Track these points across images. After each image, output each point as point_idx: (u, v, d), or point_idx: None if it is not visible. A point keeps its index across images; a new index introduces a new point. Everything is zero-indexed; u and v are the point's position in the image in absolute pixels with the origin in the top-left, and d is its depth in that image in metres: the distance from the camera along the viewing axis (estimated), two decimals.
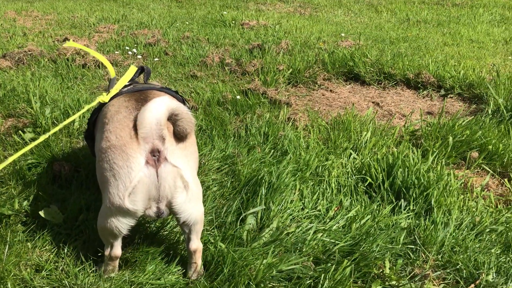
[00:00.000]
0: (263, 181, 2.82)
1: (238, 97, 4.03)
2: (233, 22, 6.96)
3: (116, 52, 5.23)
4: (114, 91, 2.40)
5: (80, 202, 2.56)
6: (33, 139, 3.27)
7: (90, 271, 2.20)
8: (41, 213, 2.44)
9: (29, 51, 5.01)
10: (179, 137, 2.01)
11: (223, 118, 3.73)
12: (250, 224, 2.59)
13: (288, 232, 2.52)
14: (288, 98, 4.30)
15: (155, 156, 1.93)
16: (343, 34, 6.42)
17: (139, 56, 5.16)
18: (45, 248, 2.35)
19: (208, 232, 2.56)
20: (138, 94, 2.28)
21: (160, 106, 1.92)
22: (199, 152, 3.10)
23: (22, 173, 2.92)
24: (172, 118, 1.98)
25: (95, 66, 4.81)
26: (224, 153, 3.24)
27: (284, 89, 4.56)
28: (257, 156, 3.21)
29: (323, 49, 5.60)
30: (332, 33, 6.64)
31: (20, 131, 3.33)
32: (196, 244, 2.19)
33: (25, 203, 2.61)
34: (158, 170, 1.93)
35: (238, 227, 2.56)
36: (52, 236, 2.41)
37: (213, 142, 3.36)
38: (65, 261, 2.26)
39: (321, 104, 4.43)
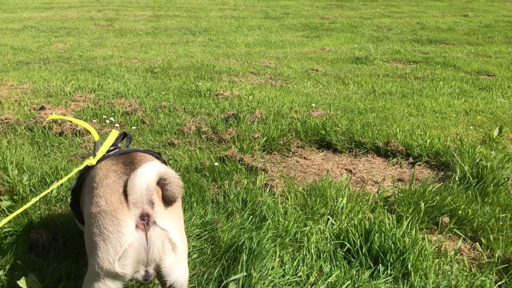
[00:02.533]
0: (244, 247, 2.84)
1: (216, 163, 4.12)
2: (208, 92, 7.19)
3: (94, 121, 5.29)
4: (100, 153, 2.48)
5: (60, 271, 2.51)
6: (10, 207, 3.22)
7: None
8: (19, 282, 2.37)
9: (6, 119, 5.03)
10: (168, 201, 2.06)
11: (201, 184, 3.78)
12: None
13: None
14: (264, 164, 4.41)
15: (145, 220, 1.97)
16: (313, 104, 6.71)
17: (117, 125, 5.24)
18: None
19: None
20: (125, 156, 2.35)
21: (150, 172, 1.98)
22: None
23: None
24: (161, 183, 2.03)
25: (72, 134, 4.85)
26: (203, 219, 3.27)
27: (260, 156, 4.68)
28: (237, 222, 3.24)
29: (295, 118, 5.83)
30: (303, 103, 6.93)
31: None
32: None
33: (0, 272, 2.53)
34: (147, 234, 1.97)
35: None
36: None
37: (192, 209, 3.39)
38: None
39: (296, 171, 4.55)
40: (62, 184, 3.53)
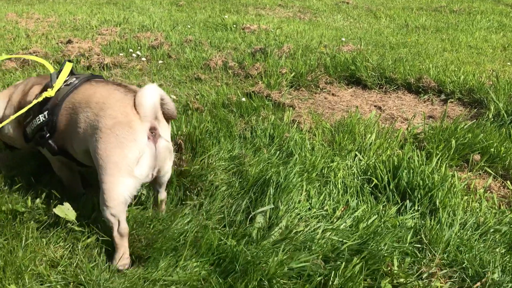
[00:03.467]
0: (271, 181, 2.87)
1: (243, 99, 4.08)
2: (234, 26, 7.02)
3: (121, 54, 5.26)
4: (57, 85, 2.56)
5: (93, 200, 2.59)
6: None
7: (104, 266, 2.24)
8: (55, 210, 2.46)
9: (34, 52, 5.05)
10: (166, 118, 2.40)
11: (229, 120, 3.77)
12: (259, 222, 2.64)
13: (297, 231, 2.57)
14: (291, 101, 4.36)
15: (153, 133, 2.28)
16: (343, 39, 6.49)
17: (143, 59, 5.20)
18: (59, 245, 2.38)
19: (219, 230, 2.60)
20: (106, 83, 2.54)
21: (155, 92, 2.29)
22: (207, 153, 3.17)
23: (33, 171, 2.95)
24: (160, 103, 2.33)
25: (99, 67, 4.85)
26: (231, 153, 3.29)
27: (287, 92, 4.61)
28: (264, 157, 3.26)
29: (324, 53, 5.67)
30: (332, 37, 6.71)
31: None
32: (164, 194, 2.69)
33: (37, 200, 2.64)
34: (156, 145, 2.29)
35: (247, 225, 2.61)
36: (66, 232, 2.44)
37: (220, 143, 3.40)
38: (79, 257, 2.29)
39: (324, 107, 4.49)
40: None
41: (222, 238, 2.48)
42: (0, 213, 2.55)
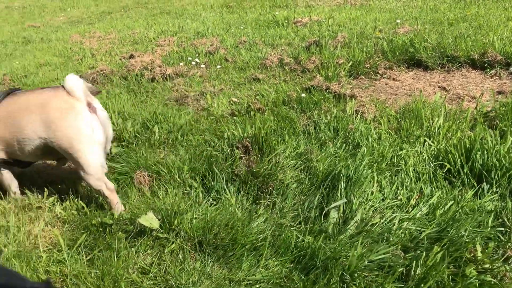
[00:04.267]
0: (341, 175, 2.89)
1: (303, 95, 4.12)
2: (286, 21, 7.04)
3: (181, 64, 5.45)
4: None
5: (173, 208, 2.74)
6: (117, 154, 3.52)
7: (190, 268, 2.38)
8: (140, 220, 2.63)
9: (101, 70, 5.35)
10: (94, 94, 2.91)
11: (291, 117, 3.82)
12: (334, 217, 2.67)
13: (373, 223, 2.58)
14: (351, 91, 4.33)
15: (91, 107, 2.77)
16: (398, 21, 6.33)
17: (202, 66, 5.37)
18: (147, 252, 2.55)
19: (294, 228, 2.67)
20: (31, 91, 2.90)
21: (77, 77, 2.77)
22: (273, 152, 3.24)
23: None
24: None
25: (163, 79, 5.06)
26: (297, 151, 3.34)
27: (347, 82, 4.58)
28: (330, 151, 3.28)
29: (380, 38, 5.56)
30: (387, 20, 6.56)
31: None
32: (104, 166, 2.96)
33: (123, 212, 2.83)
34: (97, 115, 2.80)
35: (322, 221, 2.66)
36: (152, 240, 2.61)
37: (285, 141, 3.46)
38: (167, 263, 2.44)
39: (386, 94, 4.42)
40: (162, 128, 3.76)
41: (299, 235, 2.55)
42: (91, 227, 2.76)
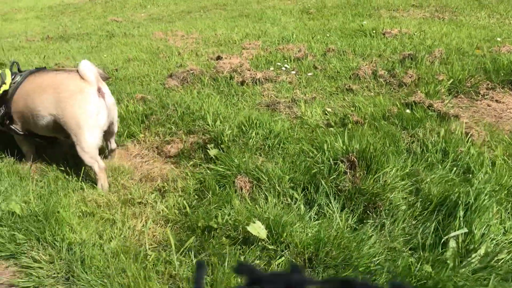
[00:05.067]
0: (459, 202, 2.70)
1: (407, 111, 3.94)
2: (373, 31, 6.85)
3: (271, 69, 5.41)
4: (9, 80, 3.28)
5: (280, 219, 2.66)
6: (215, 156, 3.49)
7: None
8: (249, 228, 2.58)
9: (191, 70, 5.39)
10: (104, 79, 3.28)
11: (394, 133, 3.66)
12: (452, 247, 2.50)
13: (498, 259, 2.38)
14: (455, 110, 4.10)
15: (100, 92, 3.10)
16: (499, 39, 5.98)
17: (293, 72, 5.29)
18: (254, 263, 2.48)
19: (406, 253, 2.51)
20: (48, 72, 3.26)
21: (90, 63, 3.10)
22: (381, 170, 3.09)
23: (213, 187, 3.14)
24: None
25: (252, 83, 5.03)
26: (404, 171, 3.17)
27: (448, 101, 4.35)
28: (440, 174, 3.09)
29: (481, 55, 5.27)
30: (483, 37, 6.22)
31: (205, 147, 3.58)
32: (114, 145, 3.65)
33: (226, 217, 2.79)
34: (105, 100, 3.14)
35: (439, 250, 2.49)
36: (259, 251, 2.54)
37: (389, 160, 3.30)
38: None
39: (489, 116, 4.16)
40: (258, 133, 3.71)
41: (416, 263, 2.39)
42: (197, 229, 2.74)
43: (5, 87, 3.26)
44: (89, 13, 12.53)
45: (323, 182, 2.95)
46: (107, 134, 3.45)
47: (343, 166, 3.13)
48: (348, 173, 3.10)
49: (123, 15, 11.63)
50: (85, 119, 3.05)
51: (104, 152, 3.78)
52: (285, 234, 2.57)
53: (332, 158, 3.27)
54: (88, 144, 3.12)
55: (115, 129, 3.52)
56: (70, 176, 3.40)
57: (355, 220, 2.82)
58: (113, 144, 3.65)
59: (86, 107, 3.04)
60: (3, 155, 3.74)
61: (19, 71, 3.46)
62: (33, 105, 3.15)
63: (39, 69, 3.37)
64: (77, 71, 3.11)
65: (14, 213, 2.94)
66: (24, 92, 3.20)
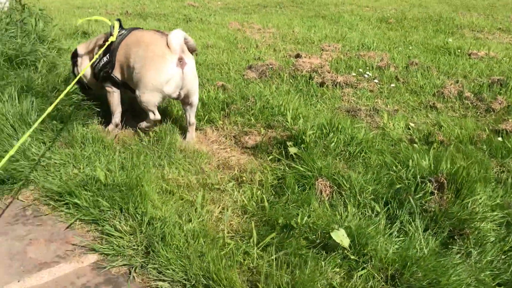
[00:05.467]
0: None
1: (499, 138, 3.75)
2: (459, 51, 6.59)
3: (353, 74, 5.31)
4: (116, 33, 3.64)
5: (364, 230, 2.58)
6: (296, 154, 3.44)
7: None
8: (332, 234, 2.51)
9: (270, 64, 5.38)
10: (191, 51, 3.52)
11: (483, 160, 3.48)
12: None
13: None
14: None
15: (181, 62, 3.36)
16: None
17: (376, 80, 5.17)
18: (334, 270, 2.42)
19: None
20: (149, 30, 3.68)
21: (180, 34, 3.38)
22: (471, 196, 2.95)
23: (292, 185, 3.09)
24: (184, 41, 3.41)
25: (332, 85, 4.95)
26: (494, 201, 3.01)
27: None
28: None
29: None
30: None
31: (284, 144, 3.54)
32: (194, 119, 3.75)
33: (305, 218, 2.74)
34: (183, 70, 3.38)
35: None
36: (340, 259, 2.47)
37: (479, 187, 3.14)
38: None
39: None
40: (339, 138, 3.63)
41: None
42: (276, 225, 2.70)
43: (112, 38, 3.61)
44: None
45: (411, 200, 2.84)
46: (185, 104, 3.65)
47: (430, 186, 3.01)
48: (436, 194, 2.98)
49: (200, 1, 11.78)
50: (153, 82, 3.35)
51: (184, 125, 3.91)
52: (369, 246, 2.50)
53: (417, 175, 3.16)
54: (145, 101, 3.45)
55: (195, 101, 3.64)
56: (152, 152, 3.46)
57: (437, 244, 2.70)
58: (192, 118, 3.72)
59: (159, 72, 3.33)
60: (89, 122, 3.85)
61: (121, 26, 3.78)
62: (129, 55, 3.50)
63: (137, 28, 3.78)
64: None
65: (97, 180, 3.01)
66: (126, 43, 3.55)
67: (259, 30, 8.04)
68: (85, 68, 3.80)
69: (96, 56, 3.68)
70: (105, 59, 3.66)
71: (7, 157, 2.68)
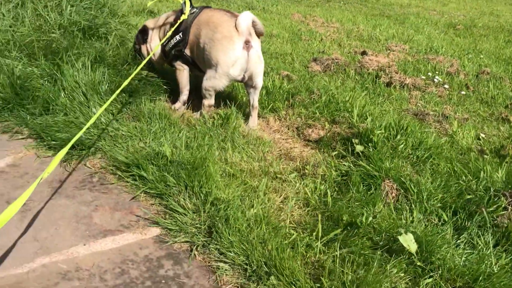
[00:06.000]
0: None
1: None
2: None
3: (423, 77, 5.13)
4: (187, 11, 3.66)
5: (432, 238, 2.48)
6: (362, 152, 3.36)
7: None
8: (400, 238, 2.43)
9: (336, 59, 5.28)
10: (258, 35, 3.46)
11: None
12: None
13: None
14: None
15: (247, 44, 3.36)
16: None
17: (446, 86, 4.98)
18: (399, 275, 2.34)
19: None
20: (219, 10, 3.67)
21: (249, 16, 3.36)
22: None
23: (357, 183, 3.02)
24: (253, 24, 3.38)
25: (399, 86, 4.80)
26: None
27: None
28: None
29: None
30: None
31: (349, 141, 3.46)
32: (257, 103, 3.72)
33: (370, 219, 2.66)
34: (248, 52, 3.38)
35: None
36: (406, 264, 2.39)
37: None
38: None
39: None
40: (407, 141, 3.51)
41: None
42: (340, 222, 2.64)
43: (184, 17, 3.65)
44: None
45: (484, 212, 2.71)
46: (249, 87, 3.65)
47: (504, 200, 2.86)
48: (509, 209, 2.83)
49: None
50: (221, 63, 3.39)
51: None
52: (437, 255, 2.40)
53: (489, 188, 3.01)
54: (211, 84, 3.50)
55: (259, 83, 3.63)
56: (216, 135, 3.46)
57: (507, 261, 2.56)
58: (255, 101, 3.70)
59: (226, 54, 3.36)
60: (156, 98, 3.90)
61: (191, 4, 3.80)
62: (199, 35, 3.53)
63: (207, 7, 3.81)
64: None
65: (163, 156, 3.04)
66: (198, 22, 3.59)
67: (322, 24, 7.93)
68: (157, 45, 3.83)
69: (168, 34, 3.69)
70: (177, 37, 3.68)
71: (83, 130, 2.75)
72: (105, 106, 2.81)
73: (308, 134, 3.72)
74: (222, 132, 3.54)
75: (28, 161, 3.06)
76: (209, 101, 3.65)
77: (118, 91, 2.93)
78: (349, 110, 3.94)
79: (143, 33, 4.02)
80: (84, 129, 2.73)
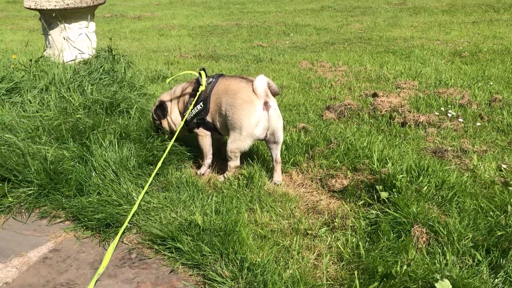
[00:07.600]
0: None
1: None
2: None
3: (436, 113, 5.23)
4: (204, 82, 3.92)
5: (468, 283, 2.51)
6: (388, 199, 3.42)
7: None
8: (437, 284, 2.47)
9: (348, 104, 5.42)
10: (273, 94, 3.75)
11: None
12: None
13: None
14: None
15: (266, 105, 3.63)
16: None
17: (460, 119, 5.06)
18: None
19: None
20: (234, 77, 3.90)
21: (264, 80, 3.64)
22: None
23: (387, 232, 3.07)
24: (267, 85, 3.65)
25: (414, 125, 4.89)
26: None
27: None
28: None
29: None
30: None
31: (373, 187, 3.54)
32: (279, 157, 3.91)
33: (404, 267, 2.70)
34: (268, 112, 3.64)
35: None
36: None
37: None
38: None
39: None
40: (430, 181, 3.57)
41: None
42: (376, 274, 2.69)
43: (202, 87, 3.92)
44: (235, 36, 13.27)
45: None
46: (271, 143, 3.84)
47: None
48: None
49: (268, 40, 12.13)
50: (245, 127, 3.63)
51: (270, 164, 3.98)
52: None
53: None
54: (236, 146, 3.72)
55: (280, 138, 3.84)
56: (242, 196, 3.57)
57: None
58: (278, 156, 3.89)
59: (249, 117, 3.61)
60: (181, 166, 4.05)
61: (206, 75, 4.04)
62: (220, 103, 3.79)
63: (221, 75, 4.04)
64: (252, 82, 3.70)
65: (196, 225, 3.15)
66: (216, 92, 3.84)
67: (330, 68, 8.14)
68: (183, 119, 4.04)
69: (191, 107, 3.95)
70: (198, 107, 3.92)
71: (131, 213, 2.92)
72: (145, 189, 3.02)
73: (332, 184, 3.81)
74: (248, 192, 3.65)
75: (69, 244, 3.20)
76: (235, 162, 3.85)
77: (158, 166, 3.27)
78: (369, 156, 4.03)
79: (162, 108, 4.22)
80: (129, 217, 2.90)
